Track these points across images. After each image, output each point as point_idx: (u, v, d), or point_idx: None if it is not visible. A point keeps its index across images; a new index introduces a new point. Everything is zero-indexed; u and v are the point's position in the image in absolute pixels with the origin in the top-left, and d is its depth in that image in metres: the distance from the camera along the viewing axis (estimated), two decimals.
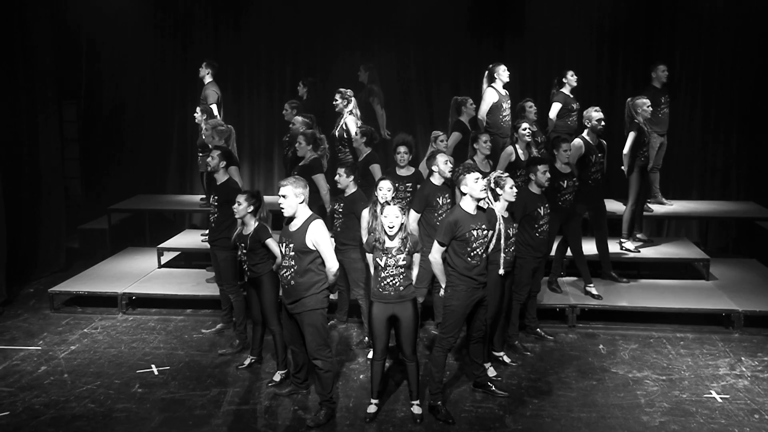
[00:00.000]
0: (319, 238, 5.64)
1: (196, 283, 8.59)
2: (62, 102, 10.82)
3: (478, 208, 5.83)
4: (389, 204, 5.81)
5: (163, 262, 9.30)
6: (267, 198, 7.36)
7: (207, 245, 9.08)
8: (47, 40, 9.59)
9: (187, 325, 7.91)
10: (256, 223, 6.35)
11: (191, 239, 9.76)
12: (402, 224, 5.68)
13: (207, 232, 9.37)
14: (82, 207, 11.02)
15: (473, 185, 5.75)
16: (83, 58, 11.26)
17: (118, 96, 11.33)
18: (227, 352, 7.15)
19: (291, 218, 5.76)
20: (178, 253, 9.75)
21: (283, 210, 5.69)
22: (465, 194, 5.81)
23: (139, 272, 8.97)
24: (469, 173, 5.78)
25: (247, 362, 6.85)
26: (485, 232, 5.80)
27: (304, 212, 5.73)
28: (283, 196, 5.67)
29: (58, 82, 10.05)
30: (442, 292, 5.91)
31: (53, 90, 9.83)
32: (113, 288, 8.40)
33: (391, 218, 5.63)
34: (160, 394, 6.32)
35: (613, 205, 9.43)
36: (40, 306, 8.51)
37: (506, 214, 6.29)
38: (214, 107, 9.61)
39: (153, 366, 6.88)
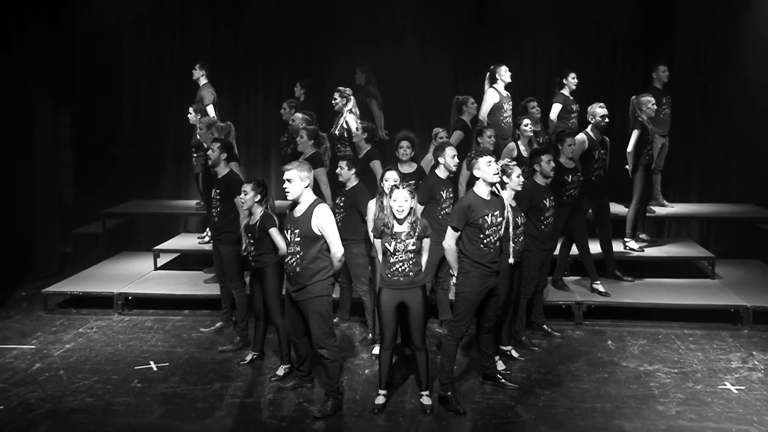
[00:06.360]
0: (325, 222, 5.51)
1: (193, 284, 8.42)
2: (57, 107, 10.65)
3: (492, 194, 5.72)
4: (398, 188, 5.65)
5: (159, 265, 9.11)
6: None
7: (204, 248, 9.07)
8: (43, 45, 9.48)
9: (185, 325, 7.72)
10: (263, 212, 6.20)
11: (187, 242, 9.60)
12: (411, 208, 5.55)
13: (203, 235, 9.34)
14: (76, 212, 10.81)
15: (486, 168, 5.64)
16: (78, 62, 11.10)
17: (113, 101, 11.16)
18: (228, 349, 6.97)
19: (295, 204, 5.63)
20: (174, 256, 9.57)
21: (288, 194, 5.57)
22: (478, 179, 5.70)
23: (135, 274, 8.79)
24: (481, 156, 5.68)
25: (248, 358, 6.67)
26: (499, 219, 5.68)
27: (308, 197, 5.61)
28: (288, 180, 5.55)
29: (53, 87, 9.93)
30: (454, 279, 5.77)
31: (48, 95, 9.72)
32: (109, 288, 8.20)
33: (400, 201, 5.50)
34: (161, 389, 6.13)
35: (614, 207, 9.30)
36: (33, 308, 8.31)
37: (514, 203, 6.18)
38: (210, 108, 9.48)
39: (152, 362, 6.69)
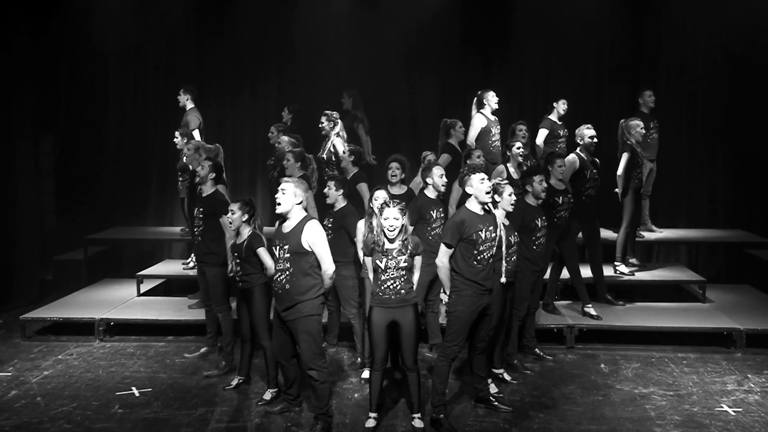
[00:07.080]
0: (315, 238, 5.39)
1: (177, 309, 8.21)
2: (39, 134, 10.50)
3: (485, 210, 5.63)
4: (388, 206, 5.52)
5: (142, 291, 8.89)
6: None
7: (188, 273, 8.87)
8: (26, 70, 9.39)
9: (168, 351, 7.50)
10: (250, 231, 6.06)
11: (171, 267, 9.40)
12: (403, 225, 5.43)
13: (188, 261, 9.15)
14: (57, 239, 10.59)
15: (478, 186, 5.56)
16: (62, 88, 10.97)
17: (96, 127, 11.00)
18: (213, 374, 6.77)
19: (284, 219, 5.51)
20: (157, 283, 9.36)
21: (278, 203, 5.46)
22: (470, 196, 5.62)
23: (117, 300, 8.57)
24: (474, 173, 5.60)
25: (234, 383, 6.47)
26: (493, 234, 5.58)
27: (298, 213, 5.50)
28: (283, 191, 5.45)
29: (36, 113, 9.80)
30: (445, 299, 5.64)
31: (31, 121, 9.57)
32: (90, 314, 7.98)
33: (390, 220, 5.39)
34: (143, 414, 5.92)
35: (603, 232, 9.19)
36: (11, 335, 8.05)
37: (506, 222, 6.08)
38: (196, 133, 9.35)
39: (133, 388, 6.47)
